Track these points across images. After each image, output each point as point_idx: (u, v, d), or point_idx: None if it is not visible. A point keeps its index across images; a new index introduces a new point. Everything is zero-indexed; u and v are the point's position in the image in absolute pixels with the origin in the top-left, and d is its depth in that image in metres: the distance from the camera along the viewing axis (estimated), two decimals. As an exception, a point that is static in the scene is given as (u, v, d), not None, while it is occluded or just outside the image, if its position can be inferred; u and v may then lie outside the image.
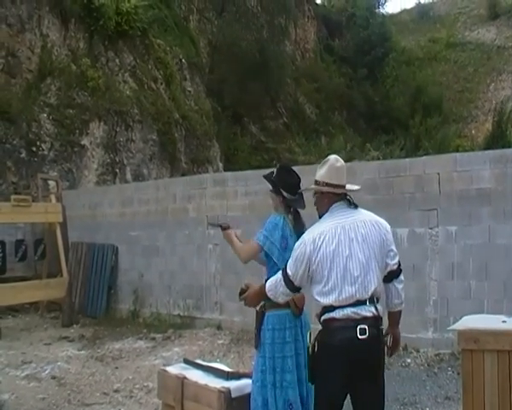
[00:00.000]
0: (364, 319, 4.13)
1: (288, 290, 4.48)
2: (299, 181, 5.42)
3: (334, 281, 4.19)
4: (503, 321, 4.90)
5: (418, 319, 9.62)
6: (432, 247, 9.70)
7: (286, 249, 5.18)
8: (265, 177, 5.63)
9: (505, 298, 8.97)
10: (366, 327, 4.10)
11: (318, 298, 4.28)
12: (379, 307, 4.25)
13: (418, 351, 9.43)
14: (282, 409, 5.06)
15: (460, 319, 5.24)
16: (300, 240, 4.41)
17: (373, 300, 4.22)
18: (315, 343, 4.30)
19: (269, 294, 4.63)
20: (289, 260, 4.44)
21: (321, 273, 4.24)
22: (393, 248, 4.45)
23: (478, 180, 9.36)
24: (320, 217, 4.49)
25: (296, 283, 4.40)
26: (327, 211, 4.43)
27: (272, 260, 5.25)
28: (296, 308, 5.17)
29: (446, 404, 7.38)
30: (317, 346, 4.28)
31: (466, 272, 9.38)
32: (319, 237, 4.27)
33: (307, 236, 4.37)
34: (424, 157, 11.54)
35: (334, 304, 4.17)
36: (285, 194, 5.35)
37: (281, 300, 4.68)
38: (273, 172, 5.53)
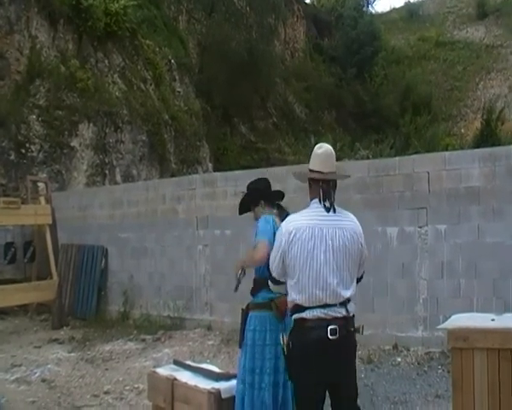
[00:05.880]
0: (335, 319, 4.24)
1: (271, 281, 4.67)
2: (267, 184, 5.73)
3: (306, 283, 4.27)
4: (492, 319, 4.93)
5: (408, 318, 9.64)
6: (421, 245, 9.71)
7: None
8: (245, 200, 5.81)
9: (494, 296, 9.01)
10: (336, 327, 4.20)
11: (291, 291, 4.38)
12: (350, 307, 4.34)
13: (408, 350, 9.45)
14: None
15: (450, 317, 5.26)
16: (280, 228, 4.53)
17: (343, 303, 4.31)
18: (289, 342, 4.38)
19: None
20: None
21: (293, 270, 4.33)
22: (366, 252, 4.59)
23: (467, 179, 9.38)
24: None
25: (274, 273, 4.52)
26: (312, 200, 4.50)
27: None
28: (278, 311, 5.17)
29: (436, 402, 7.39)
30: (291, 345, 4.36)
31: (455, 271, 9.40)
32: (294, 233, 4.34)
33: (285, 225, 4.46)
34: (413, 156, 11.57)
35: (304, 304, 4.27)
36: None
37: (272, 288, 4.81)
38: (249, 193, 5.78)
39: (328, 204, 4.41)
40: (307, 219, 4.38)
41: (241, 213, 5.84)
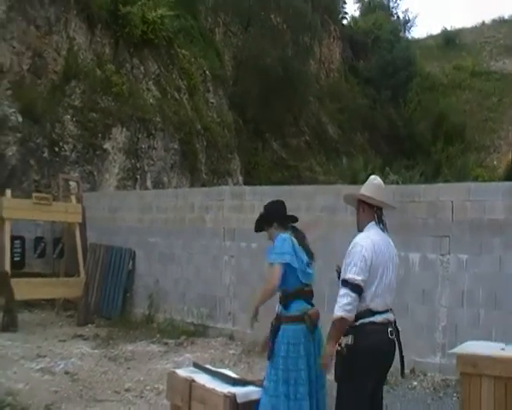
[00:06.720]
0: (390, 323, 4.87)
1: (355, 295, 4.74)
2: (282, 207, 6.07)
3: (382, 289, 4.85)
4: (502, 349, 5.07)
5: (427, 344, 9.67)
6: (443, 273, 9.75)
7: (297, 257, 5.47)
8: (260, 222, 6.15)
9: (514, 328, 9.03)
10: (393, 329, 4.85)
11: (364, 298, 4.81)
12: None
13: (425, 375, 9.45)
14: None
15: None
16: (358, 246, 4.87)
17: (391, 308, 4.96)
18: (353, 345, 4.77)
19: (346, 317, 4.74)
20: (350, 269, 4.79)
21: (373, 278, 4.82)
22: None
23: (490, 210, 9.42)
24: (358, 227, 5.14)
25: (363, 284, 4.79)
26: (368, 222, 5.07)
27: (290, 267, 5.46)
28: (311, 324, 5.38)
29: (448, 428, 7.48)
30: (353, 347, 4.76)
31: (475, 301, 9.42)
32: (376, 246, 4.87)
33: (365, 242, 4.89)
34: (439, 184, 11.65)
35: (377, 309, 4.80)
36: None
37: (352, 314, 4.80)
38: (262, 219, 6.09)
39: (382, 226, 5.06)
40: (378, 235, 4.97)
41: (256, 230, 6.20)
